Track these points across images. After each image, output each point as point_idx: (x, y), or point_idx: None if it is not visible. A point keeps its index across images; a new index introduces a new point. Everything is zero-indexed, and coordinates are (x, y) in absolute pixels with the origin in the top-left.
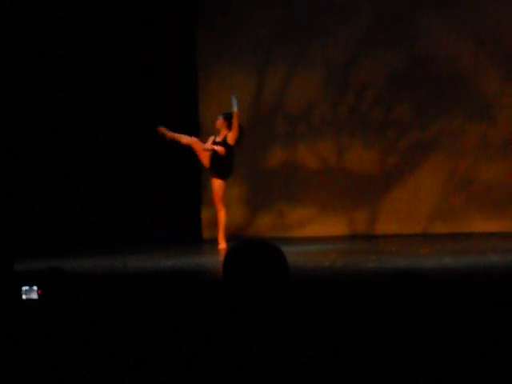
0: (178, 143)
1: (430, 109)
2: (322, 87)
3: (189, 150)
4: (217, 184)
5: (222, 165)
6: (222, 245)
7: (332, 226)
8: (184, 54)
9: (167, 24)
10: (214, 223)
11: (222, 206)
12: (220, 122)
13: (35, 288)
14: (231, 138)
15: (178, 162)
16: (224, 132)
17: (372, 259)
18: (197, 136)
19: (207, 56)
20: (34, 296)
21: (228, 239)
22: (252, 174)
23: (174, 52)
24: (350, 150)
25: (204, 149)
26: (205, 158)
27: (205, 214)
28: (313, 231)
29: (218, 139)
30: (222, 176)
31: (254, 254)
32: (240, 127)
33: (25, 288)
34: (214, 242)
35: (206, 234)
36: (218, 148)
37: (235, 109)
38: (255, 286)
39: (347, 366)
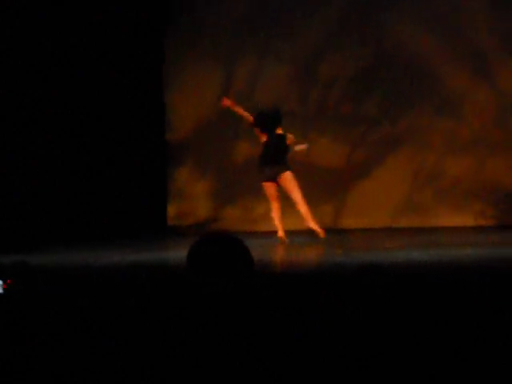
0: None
1: (398, 104)
2: (290, 81)
3: (156, 140)
4: (289, 176)
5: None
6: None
7: (298, 219)
8: (151, 48)
9: (134, 19)
10: (180, 215)
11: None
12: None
13: (0, 282)
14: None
15: (143, 152)
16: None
17: (338, 253)
18: (163, 131)
19: (174, 50)
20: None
21: (195, 233)
22: (219, 167)
23: (141, 47)
24: (318, 144)
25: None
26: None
27: (171, 208)
28: None
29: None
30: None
31: (217, 246)
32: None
33: None
34: (180, 234)
35: (172, 227)
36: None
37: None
38: (219, 278)
39: (308, 357)
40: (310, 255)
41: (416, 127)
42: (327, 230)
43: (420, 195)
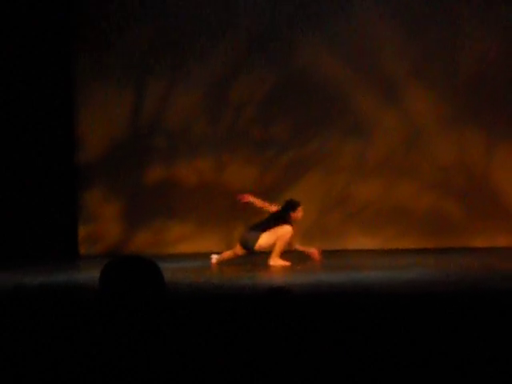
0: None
1: (308, 127)
2: (201, 103)
3: (65, 162)
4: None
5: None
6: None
7: (210, 242)
8: (61, 72)
9: (44, 41)
10: (90, 240)
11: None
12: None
13: None
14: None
15: (52, 175)
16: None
17: (248, 276)
18: (73, 153)
19: (85, 73)
20: None
21: (107, 256)
22: (131, 190)
23: (51, 70)
24: (229, 166)
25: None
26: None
27: (81, 231)
28: (191, 248)
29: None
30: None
31: (130, 268)
32: None
33: None
34: (91, 258)
35: (83, 250)
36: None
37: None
38: (131, 301)
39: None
40: (219, 278)
41: (325, 150)
42: None
43: (329, 218)
